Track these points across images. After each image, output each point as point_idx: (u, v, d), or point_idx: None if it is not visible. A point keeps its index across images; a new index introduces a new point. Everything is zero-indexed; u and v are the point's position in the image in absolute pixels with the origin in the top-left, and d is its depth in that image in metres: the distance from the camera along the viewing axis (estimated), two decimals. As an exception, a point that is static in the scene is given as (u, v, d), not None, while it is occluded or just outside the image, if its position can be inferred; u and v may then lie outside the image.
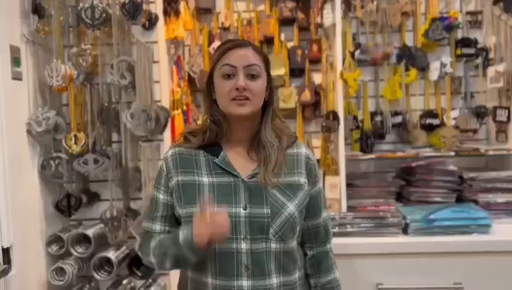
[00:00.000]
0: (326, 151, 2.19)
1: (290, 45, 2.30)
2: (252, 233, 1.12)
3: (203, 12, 2.34)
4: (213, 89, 1.19)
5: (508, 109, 2.15)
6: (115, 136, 2.06)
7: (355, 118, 2.28)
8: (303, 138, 2.32)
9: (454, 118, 2.27)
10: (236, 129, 1.18)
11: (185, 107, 2.24)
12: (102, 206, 2.08)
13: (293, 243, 1.19)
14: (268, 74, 1.20)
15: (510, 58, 2.12)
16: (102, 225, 1.98)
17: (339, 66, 2.05)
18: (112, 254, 1.89)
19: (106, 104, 1.98)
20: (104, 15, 1.85)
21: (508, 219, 2.01)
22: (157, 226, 1.21)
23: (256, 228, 1.12)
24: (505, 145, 2.17)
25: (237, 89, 1.12)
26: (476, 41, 2.27)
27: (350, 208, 2.04)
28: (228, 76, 1.14)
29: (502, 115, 2.16)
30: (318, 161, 2.24)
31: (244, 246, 1.12)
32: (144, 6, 1.94)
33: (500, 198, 2.04)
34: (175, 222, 1.21)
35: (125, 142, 1.93)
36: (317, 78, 2.31)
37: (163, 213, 1.21)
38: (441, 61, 2.25)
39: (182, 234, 1.10)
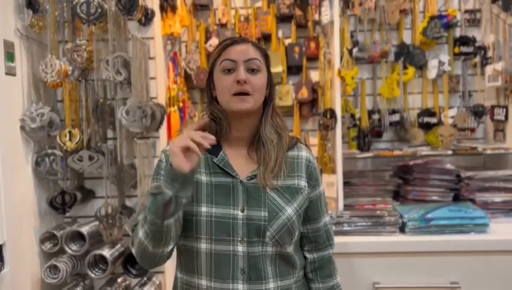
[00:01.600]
0: (323, 150, 2.18)
1: (287, 42, 2.29)
2: (249, 236, 1.10)
3: (200, 8, 2.32)
4: (213, 87, 1.17)
5: (506, 107, 2.14)
6: (110, 133, 2.04)
7: (352, 116, 2.27)
8: (300, 136, 2.30)
9: (452, 117, 2.26)
10: (236, 127, 1.16)
11: (181, 104, 2.22)
12: (97, 204, 2.07)
13: (291, 248, 1.16)
14: (269, 70, 1.18)
15: (508, 57, 2.11)
16: (97, 223, 1.96)
17: (336, 64, 2.04)
18: (106, 252, 1.87)
19: (101, 101, 1.97)
20: (99, 10, 1.83)
21: (505, 219, 2.01)
22: None
23: (253, 231, 1.10)
24: (503, 144, 2.16)
25: (238, 82, 1.09)
26: (474, 40, 2.26)
27: (347, 207, 2.03)
28: (228, 71, 1.12)
29: (499, 114, 2.15)
30: (316, 159, 2.24)
31: (240, 248, 1.10)
32: (140, 2, 1.92)
33: (498, 197, 2.04)
34: None
35: (120, 139, 1.91)
36: (314, 75, 2.29)
37: None
38: (439, 60, 2.24)
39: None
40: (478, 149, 2.10)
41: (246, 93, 1.10)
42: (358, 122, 2.28)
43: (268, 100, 1.17)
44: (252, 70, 1.12)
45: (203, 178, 1.14)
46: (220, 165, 1.15)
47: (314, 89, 2.25)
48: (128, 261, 1.95)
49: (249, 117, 1.15)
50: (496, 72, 2.12)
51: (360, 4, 2.22)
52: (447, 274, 1.80)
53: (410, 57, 2.26)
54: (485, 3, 2.26)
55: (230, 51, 1.13)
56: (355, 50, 2.20)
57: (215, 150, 1.16)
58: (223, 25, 2.30)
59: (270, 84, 1.18)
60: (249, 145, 1.18)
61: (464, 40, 2.27)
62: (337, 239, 1.81)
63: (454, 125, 2.24)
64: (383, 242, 1.86)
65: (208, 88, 1.19)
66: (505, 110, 2.14)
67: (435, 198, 2.08)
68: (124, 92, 1.96)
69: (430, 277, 1.80)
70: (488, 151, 2.08)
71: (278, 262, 1.13)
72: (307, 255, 1.23)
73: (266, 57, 1.17)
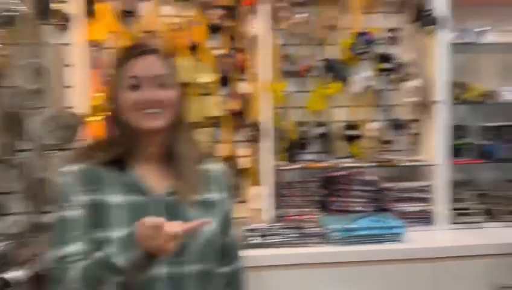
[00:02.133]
0: (252, 161, 2.18)
1: (217, 52, 2.27)
2: (172, 256, 1.01)
3: (127, 15, 2.24)
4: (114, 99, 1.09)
5: (421, 122, 2.27)
6: (21, 144, 1.89)
7: (280, 128, 2.29)
8: (230, 148, 2.29)
9: (374, 130, 2.36)
10: (146, 144, 1.08)
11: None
12: (6, 221, 1.90)
13: (213, 264, 1.12)
14: (178, 81, 1.10)
15: (424, 74, 2.25)
16: (5, 242, 1.80)
17: (265, 76, 2.05)
18: (14, 274, 1.72)
19: (12, 110, 1.82)
20: (10, 13, 1.69)
21: (421, 227, 2.13)
22: (77, 247, 1.00)
23: (176, 250, 1.03)
24: (418, 156, 2.29)
25: (146, 102, 1.03)
26: (394, 57, 2.39)
27: (276, 218, 2.04)
28: (134, 87, 1.04)
29: (415, 128, 2.28)
30: (244, 170, 2.24)
31: (164, 270, 1.03)
32: (59, 6, 1.80)
33: (413, 207, 2.16)
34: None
35: (32, 151, 1.78)
36: (243, 87, 2.29)
37: (81, 231, 1.02)
38: (362, 75, 2.34)
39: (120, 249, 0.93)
40: (395, 161, 2.21)
41: (158, 108, 1.05)
42: (286, 135, 2.31)
43: (180, 113, 1.10)
44: (160, 85, 1.05)
45: (114, 199, 1.05)
46: (132, 184, 1.07)
47: (243, 100, 2.25)
48: (39, 283, 1.80)
49: (159, 133, 1.08)
50: (413, 89, 2.25)
51: (288, 19, 2.26)
52: (369, 283, 1.87)
53: (335, 71, 2.33)
54: (405, 23, 2.40)
55: (136, 65, 1.04)
56: (283, 63, 2.24)
57: (124, 167, 1.08)
58: (151, 33, 2.23)
59: (182, 95, 1.11)
60: (161, 160, 1.11)
61: (385, 57, 2.38)
62: (264, 252, 1.83)
63: (376, 138, 2.34)
64: (308, 253, 1.88)
65: (109, 100, 1.09)
66: (419, 124, 2.27)
67: (358, 208, 2.15)
68: (37, 100, 1.82)
69: (353, 287, 1.86)
70: (405, 163, 2.20)
71: (202, 282, 1.08)
72: (221, 270, 1.18)
73: (175, 68, 1.10)
